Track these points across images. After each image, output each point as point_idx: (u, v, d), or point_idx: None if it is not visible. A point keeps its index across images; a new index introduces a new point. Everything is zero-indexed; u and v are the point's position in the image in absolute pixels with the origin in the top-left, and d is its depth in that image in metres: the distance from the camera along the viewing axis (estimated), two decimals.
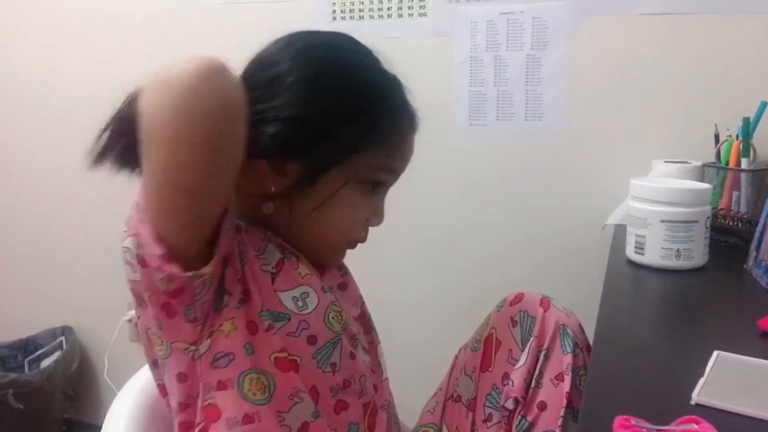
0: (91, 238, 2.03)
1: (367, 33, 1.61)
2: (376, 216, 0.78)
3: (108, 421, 0.81)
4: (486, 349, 0.93)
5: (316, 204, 0.72)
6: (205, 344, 0.68)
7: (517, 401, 0.86)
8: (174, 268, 0.61)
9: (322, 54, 0.73)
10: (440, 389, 0.98)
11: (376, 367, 0.83)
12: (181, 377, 0.70)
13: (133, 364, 0.90)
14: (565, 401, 0.83)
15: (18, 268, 2.19)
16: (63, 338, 2.06)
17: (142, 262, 0.63)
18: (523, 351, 0.89)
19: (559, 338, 0.86)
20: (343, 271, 0.85)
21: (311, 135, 0.68)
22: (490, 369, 0.92)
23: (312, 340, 0.71)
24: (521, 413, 0.86)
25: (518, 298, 0.93)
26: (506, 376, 0.89)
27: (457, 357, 0.99)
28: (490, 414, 0.89)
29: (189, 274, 0.61)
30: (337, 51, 0.75)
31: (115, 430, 0.79)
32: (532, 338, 0.88)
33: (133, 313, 2.09)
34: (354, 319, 0.82)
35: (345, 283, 0.83)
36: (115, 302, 2.01)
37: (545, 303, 0.90)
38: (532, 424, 0.85)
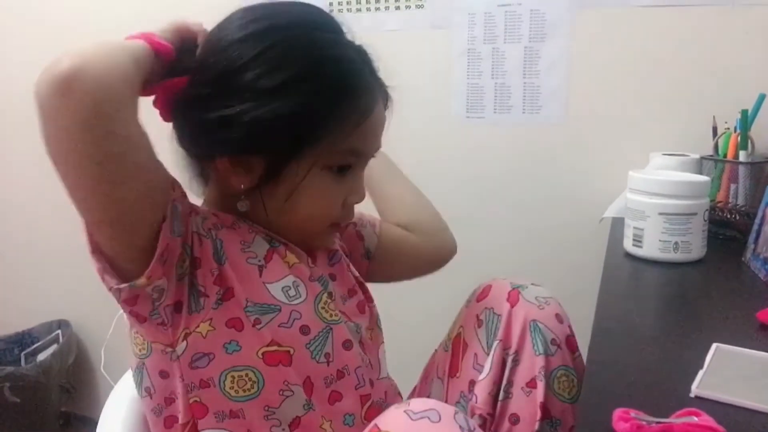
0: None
1: (364, 25, 1.62)
2: (353, 194, 0.76)
3: (104, 414, 0.81)
4: (454, 351, 0.86)
5: (286, 195, 0.71)
6: (181, 346, 0.68)
7: (484, 417, 0.78)
8: (110, 281, 0.62)
9: (277, 43, 0.68)
10: (416, 389, 0.94)
11: (375, 364, 0.82)
12: (164, 374, 0.71)
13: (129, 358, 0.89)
14: (539, 412, 0.76)
15: (14, 262, 2.19)
16: (59, 332, 2.06)
17: (96, 271, 0.64)
18: (488, 356, 0.81)
19: (530, 337, 0.78)
20: (334, 260, 0.83)
21: (267, 130, 0.67)
22: (457, 375, 0.85)
23: (305, 329, 0.71)
24: (492, 429, 0.79)
25: (485, 292, 0.85)
26: (472, 384, 0.81)
27: (435, 354, 0.94)
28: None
29: (122, 285, 0.62)
30: (291, 35, 0.69)
31: (111, 423, 0.79)
32: (496, 342, 0.80)
33: None
34: (350, 308, 0.81)
35: (334, 274, 0.81)
36: (111, 296, 2.01)
37: (513, 296, 0.81)
38: None
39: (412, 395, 0.95)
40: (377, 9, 1.57)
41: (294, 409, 0.71)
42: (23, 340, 2.09)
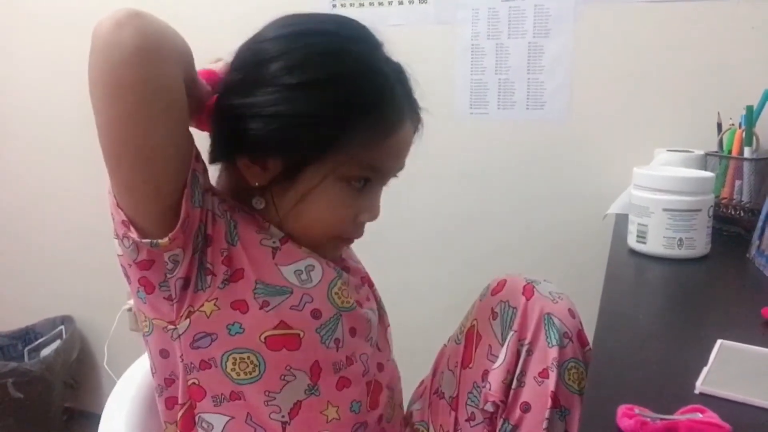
0: (91, 229, 2.02)
1: (367, 21, 1.61)
2: (366, 212, 0.75)
3: (107, 409, 0.81)
4: (467, 342, 0.86)
5: (297, 199, 0.71)
6: (184, 324, 0.69)
7: (496, 405, 0.79)
8: (133, 234, 0.63)
9: (309, 45, 0.69)
10: (425, 382, 0.95)
11: (384, 346, 0.84)
12: (164, 353, 0.72)
13: (132, 353, 0.90)
14: (550, 401, 0.76)
15: (18, 258, 2.19)
16: (63, 327, 2.06)
17: (116, 233, 0.65)
18: (502, 347, 0.81)
19: (544, 330, 0.79)
20: (345, 254, 0.85)
21: (289, 131, 0.67)
22: (470, 365, 0.85)
23: (316, 314, 0.71)
24: (503, 416, 0.79)
25: (500, 286, 0.85)
26: (486, 374, 0.82)
27: (444, 347, 0.95)
28: (473, 413, 0.83)
29: (145, 241, 0.63)
30: (325, 41, 0.71)
31: (114, 418, 0.79)
32: (511, 333, 0.80)
33: (132, 302, 2.11)
34: (364, 296, 0.83)
35: (348, 267, 0.83)
36: (114, 292, 2.01)
37: (528, 290, 0.82)
38: (515, 427, 0.78)
39: (421, 388, 0.96)
40: (380, 4, 1.57)
41: (295, 394, 0.71)
42: (27, 336, 2.09)
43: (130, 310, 2.00)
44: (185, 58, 0.64)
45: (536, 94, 1.47)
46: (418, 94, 0.77)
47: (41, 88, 2.01)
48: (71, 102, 1.95)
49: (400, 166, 0.77)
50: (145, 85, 0.58)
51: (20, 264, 2.19)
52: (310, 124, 0.67)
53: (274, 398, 0.70)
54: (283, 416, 0.71)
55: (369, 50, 0.73)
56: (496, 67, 1.50)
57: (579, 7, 1.40)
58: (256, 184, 0.72)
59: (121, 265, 0.69)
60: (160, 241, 0.63)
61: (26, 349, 2.05)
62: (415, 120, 0.77)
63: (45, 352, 2.00)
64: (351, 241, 0.79)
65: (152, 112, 0.60)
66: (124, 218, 0.64)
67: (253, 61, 0.70)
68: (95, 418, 0.79)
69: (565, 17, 1.42)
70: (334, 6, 1.61)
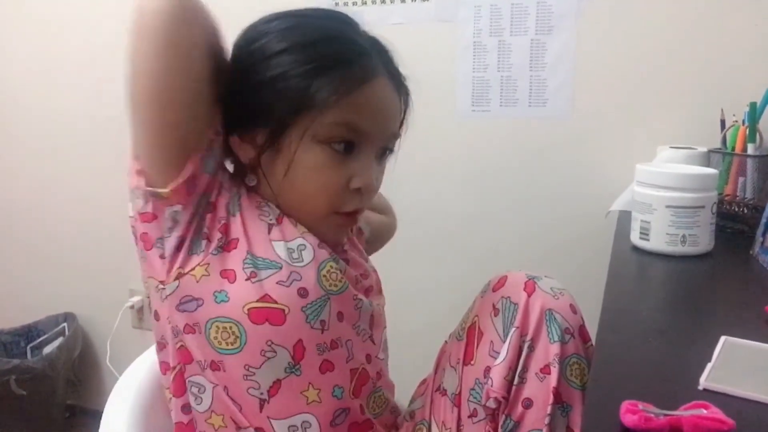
0: (93, 226, 2.03)
1: (369, 19, 1.60)
2: (357, 177, 0.75)
3: (109, 406, 0.81)
4: (469, 339, 0.86)
5: (285, 169, 0.74)
6: (172, 285, 0.71)
7: (498, 401, 0.79)
8: (143, 182, 0.69)
9: (281, 22, 0.76)
10: (427, 380, 0.95)
11: (378, 342, 0.85)
12: (156, 315, 0.75)
13: (134, 351, 0.90)
14: (552, 397, 0.76)
15: (21, 255, 2.19)
16: (65, 324, 2.07)
17: (130, 189, 0.71)
18: (504, 343, 0.81)
19: (545, 326, 0.78)
20: (347, 247, 0.86)
21: (263, 98, 0.72)
22: (472, 362, 0.84)
23: (303, 292, 0.72)
24: (505, 413, 0.79)
25: (501, 282, 0.85)
26: (488, 370, 0.81)
27: (445, 344, 0.95)
28: (475, 410, 0.82)
29: (150, 189, 0.69)
30: (297, 19, 0.77)
31: (116, 415, 0.79)
32: (513, 329, 0.80)
33: (134, 299, 2.10)
34: (365, 289, 0.84)
35: (348, 259, 0.83)
36: (117, 289, 2.02)
37: (530, 286, 0.81)
38: (517, 423, 0.78)
39: (423, 386, 0.95)
40: (382, 2, 1.57)
41: (275, 372, 0.72)
42: (29, 333, 2.10)
43: (132, 307, 2.00)
44: (214, 31, 0.72)
45: (538, 92, 1.47)
46: (398, 63, 0.80)
47: (42, 87, 2.01)
48: (74, 101, 1.96)
49: (386, 129, 0.78)
50: (173, 41, 0.65)
51: (23, 261, 2.20)
52: (281, 87, 0.71)
53: (254, 373, 0.71)
54: (261, 393, 0.72)
55: (341, 23, 0.78)
56: (498, 64, 1.50)
57: (581, 3, 1.40)
58: (246, 160, 0.76)
59: (132, 227, 0.73)
60: (162, 190, 0.68)
61: (29, 346, 2.06)
62: (398, 87, 0.79)
63: (47, 349, 2.01)
64: (352, 218, 0.79)
65: (174, 65, 0.66)
66: (138, 168, 0.70)
67: (240, 45, 0.76)
68: (98, 416, 0.80)
69: (567, 14, 1.42)
70: (336, 4, 1.61)
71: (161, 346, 0.77)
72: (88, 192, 2.01)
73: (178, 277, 0.70)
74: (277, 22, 0.76)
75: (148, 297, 0.77)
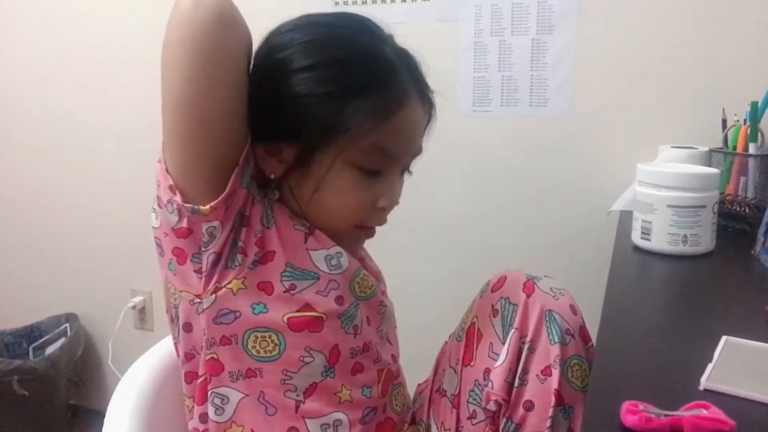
0: (95, 226, 2.03)
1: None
2: (384, 198, 0.76)
3: (111, 406, 0.81)
4: (468, 340, 0.86)
5: (314, 188, 0.73)
6: (209, 299, 0.70)
7: (499, 403, 0.79)
8: (178, 198, 0.66)
9: (312, 33, 0.73)
10: (427, 381, 0.95)
11: (394, 342, 0.87)
12: (187, 327, 0.74)
13: (137, 351, 0.90)
14: (553, 399, 0.75)
15: (23, 256, 2.20)
16: (67, 325, 2.07)
17: (159, 201, 0.69)
18: (504, 344, 0.80)
19: (545, 327, 0.77)
20: (363, 254, 0.88)
21: (294, 115, 0.70)
22: (472, 363, 0.84)
23: (340, 300, 0.73)
24: (506, 415, 0.79)
25: (500, 283, 0.84)
26: (488, 372, 0.81)
27: (445, 344, 0.95)
28: (475, 411, 0.82)
29: (188, 205, 0.66)
30: (327, 30, 0.74)
31: (118, 415, 0.79)
32: (512, 330, 0.79)
33: (136, 300, 2.11)
34: (381, 291, 0.85)
35: (366, 266, 0.84)
36: (119, 289, 2.02)
37: (529, 286, 0.80)
38: (519, 426, 0.77)
39: (423, 387, 0.95)
40: (383, 2, 1.57)
41: (312, 376, 0.73)
42: (31, 334, 2.10)
43: (134, 308, 2.01)
44: (248, 40, 0.70)
45: (539, 91, 1.47)
46: (427, 77, 0.78)
47: (42, 87, 2.01)
48: (75, 100, 1.96)
49: (414, 150, 0.79)
50: (215, 50, 0.63)
51: (25, 262, 2.20)
52: (313, 107, 0.70)
53: (291, 377, 0.72)
54: (297, 395, 0.73)
55: (371, 36, 0.75)
56: (499, 64, 1.50)
57: (582, 3, 1.40)
58: (272, 176, 0.74)
59: (156, 237, 0.72)
60: (201, 207, 0.66)
61: (31, 346, 2.06)
62: (426, 102, 0.78)
63: (50, 349, 2.01)
64: (372, 230, 0.81)
65: (211, 74, 0.64)
66: (171, 183, 0.67)
67: (261, 56, 0.73)
68: (100, 416, 0.80)
69: (568, 14, 1.42)
70: (336, 3, 1.61)
71: (189, 357, 0.76)
72: (90, 192, 2.01)
73: (215, 291, 0.70)
74: (302, 32, 0.73)
75: (174, 307, 0.75)
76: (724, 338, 0.65)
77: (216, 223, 0.67)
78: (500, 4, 1.47)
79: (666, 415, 0.49)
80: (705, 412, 0.50)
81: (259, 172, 0.75)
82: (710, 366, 0.59)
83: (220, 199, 0.66)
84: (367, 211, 0.76)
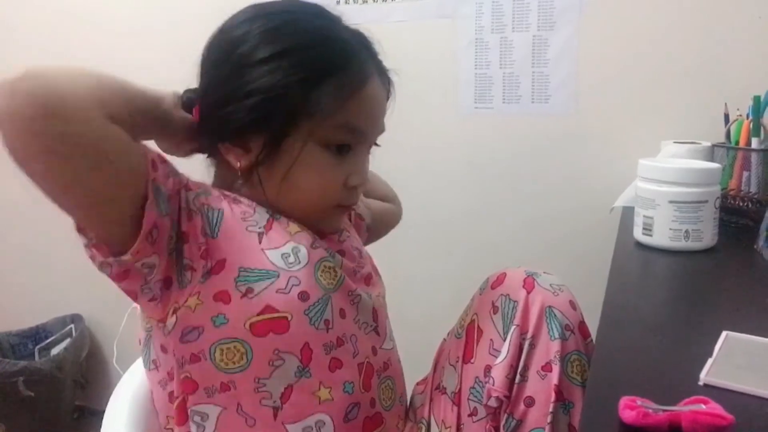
0: None
1: (370, 17, 1.61)
2: (354, 175, 0.77)
3: (110, 405, 0.81)
4: (468, 337, 0.86)
5: (283, 174, 0.74)
6: (171, 321, 0.70)
7: (500, 400, 0.78)
8: (99, 256, 0.64)
9: (267, 23, 0.73)
10: (427, 378, 0.94)
11: (382, 332, 0.84)
12: (163, 349, 0.74)
13: None
14: (554, 395, 0.75)
15: (28, 257, 2.20)
16: (72, 326, 2.07)
17: (91, 260, 0.67)
18: (504, 341, 0.80)
19: (546, 323, 0.78)
20: (342, 237, 0.86)
21: (261, 106, 0.71)
22: (472, 360, 0.84)
23: (303, 296, 0.72)
24: (507, 411, 0.78)
25: (500, 279, 0.84)
26: (488, 369, 0.81)
27: (444, 342, 0.94)
28: (476, 408, 0.81)
29: (110, 259, 0.64)
30: (282, 17, 0.75)
31: (117, 414, 0.79)
32: (513, 327, 0.79)
33: None
34: (362, 279, 0.84)
35: (343, 250, 0.83)
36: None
37: (529, 283, 0.80)
38: (520, 422, 0.77)
39: (422, 384, 0.95)
40: (384, 0, 1.56)
41: (285, 378, 0.72)
42: (37, 335, 2.11)
43: (138, 308, 2.01)
44: (110, 97, 0.62)
45: (541, 88, 1.47)
46: (382, 56, 0.80)
47: None
48: None
49: (379, 129, 0.80)
50: (59, 149, 0.56)
51: (29, 263, 2.21)
52: (279, 95, 0.70)
53: (264, 384, 0.71)
54: (274, 402, 0.72)
55: (326, 21, 0.77)
56: (500, 61, 1.49)
57: None
58: (239, 165, 0.74)
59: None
60: (123, 257, 0.63)
61: (36, 347, 2.07)
62: (385, 81, 0.80)
63: (55, 350, 2.02)
64: (348, 208, 0.82)
65: (79, 169, 0.57)
66: (86, 241, 0.65)
67: (221, 51, 0.74)
68: None
69: (569, 10, 1.41)
70: (337, 3, 1.61)
71: (170, 377, 0.75)
72: None
73: (175, 312, 0.69)
74: (257, 23, 0.73)
75: (147, 331, 0.76)
76: (724, 333, 0.65)
77: (146, 259, 0.64)
78: (501, 0, 1.47)
79: (664, 410, 0.49)
80: (704, 407, 0.50)
81: (223, 166, 0.77)
82: (710, 361, 0.59)
83: (138, 241, 0.62)
84: (339, 191, 0.77)
